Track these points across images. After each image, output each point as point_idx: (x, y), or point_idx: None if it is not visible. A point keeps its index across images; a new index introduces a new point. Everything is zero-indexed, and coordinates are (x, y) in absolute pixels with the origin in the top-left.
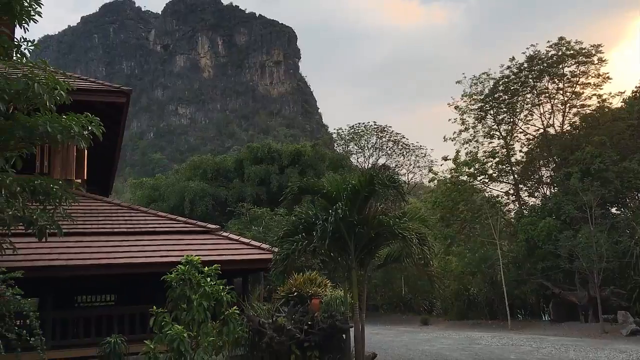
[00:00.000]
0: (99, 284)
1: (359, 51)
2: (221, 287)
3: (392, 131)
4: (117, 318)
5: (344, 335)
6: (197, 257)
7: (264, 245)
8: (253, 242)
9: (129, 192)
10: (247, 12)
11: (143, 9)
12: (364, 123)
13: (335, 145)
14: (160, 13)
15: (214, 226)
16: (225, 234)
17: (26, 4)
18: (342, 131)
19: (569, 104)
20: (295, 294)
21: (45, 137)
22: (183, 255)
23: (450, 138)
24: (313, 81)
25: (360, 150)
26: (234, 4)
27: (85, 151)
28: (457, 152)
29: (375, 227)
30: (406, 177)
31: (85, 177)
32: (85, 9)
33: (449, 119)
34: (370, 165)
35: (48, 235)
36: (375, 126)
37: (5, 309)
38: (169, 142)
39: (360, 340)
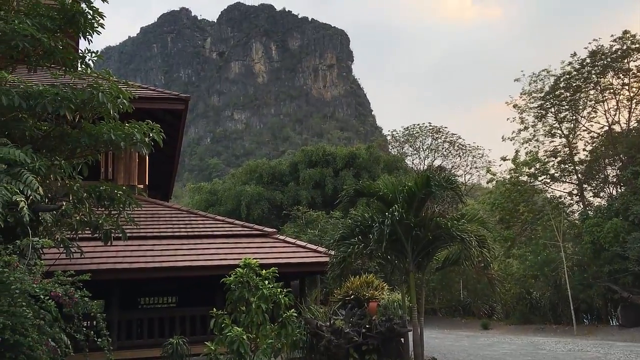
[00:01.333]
0: (160, 286)
1: (412, 51)
2: (279, 289)
3: (448, 132)
4: (178, 319)
5: (402, 339)
6: (254, 260)
7: (320, 248)
8: (309, 245)
9: (187, 196)
10: (299, 16)
11: (199, 18)
12: (418, 124)
13: (390, 147)
14: (215, 21)
15: (270, 229)
16: (281, 237)
17: (90, 17)
18: (397, 133)
19: (635, 100)
20: (352, 297)
21: (110, 145)
22: (241, 258)
23: (508, 138)
24: (366, 83)
25: (415, 152)
26: (286, 9)
27: (147, 157)
28: (517, 151)
29: (432, 230)
30: (463, 178)
31: (147, 183)
32: (145, 19)
33: (507, 118)
34: (425, 167)
35: (113, 239)
36: (431, 127)
37: (74, 311)
38: (225, 147)
39: (419, 344)
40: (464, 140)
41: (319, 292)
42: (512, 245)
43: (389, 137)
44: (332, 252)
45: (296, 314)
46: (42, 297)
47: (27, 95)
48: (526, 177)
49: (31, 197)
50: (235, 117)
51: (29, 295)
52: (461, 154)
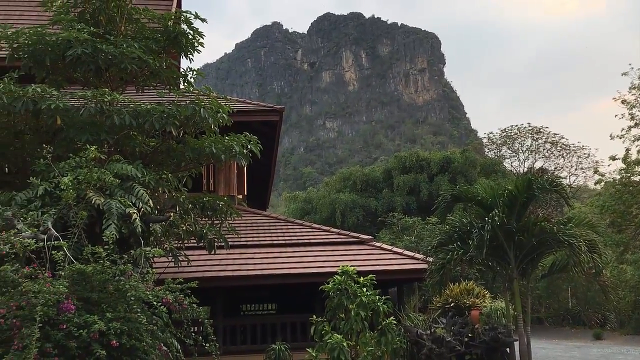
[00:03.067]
0: (260, 293)
1: (507, 50)
2: (377, 297)
3: (549, 132)
4: (279, 326)
5: (507, 349)
6: (352, 268)
7: (417, 255)
8: (406, 252)
9: (283, 205)
10: (389, 22)
11: (290, 31)
12: (516, 125)
13: (487, 150)
14: (305, 33)
15: (366, 236)
16: (377, 244)
17: (190, 37)
18: (493, 135)
19: None
20: (452, 304)
21: (211, 157)
22: (338, 266)
23: (617, 135)
24: (459, 85)
25: (513, 154)
26: (375, 16)
27: (245, 168)
28: (627, 150)
29: (536, 235)
30: (568, 180)
31: (245, 193)
32: (239, 36)
33: (615, 115)
34: (525, 170)
35: (216, 247)
36: (530, 127)
37: (183, 316)
38: (318, 155)
39: (527, 355)
40: (567, 140)
41: (417, 300)
42: (625, 250)
43: (484, 140)
44: (430, 259)
45: (395, 322)
46: (154, 303)
47: (137, 114)
48: (639, 177)
49: (142, 209)
50: (328, 125)
51: (142, 302)
52: (565, 154)
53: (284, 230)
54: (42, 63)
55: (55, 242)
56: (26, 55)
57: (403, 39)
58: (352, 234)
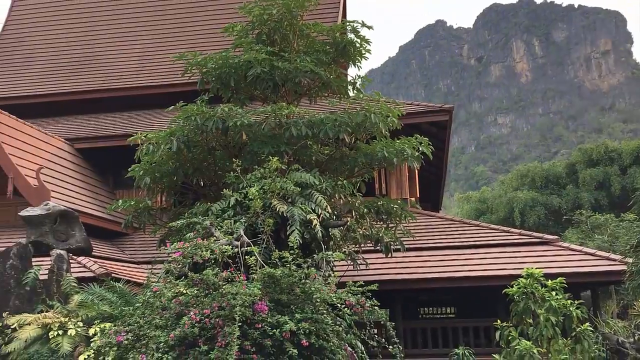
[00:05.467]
0: (437, 296)
1: None
2: (569, 301)
3: None
4: (461, 330)
5: None
6: (537, 270)
7: (613, 256)
8: (599, 253)
9: (456, 206)
10: (564, 5)
11: (455, 27)
12: None
13: None
14: (471, 27)
15: (551, 236)
16: (564, 244)
17: (358, 46)
18: None
19: None
20: None
21: (383, 162)
22: (521, 268)
23: None
24: None
25: None
26: (548, 1)
27: (416, 170)
28: None
29: None
30: None
31: (418, 195)
32: (402, 38)
33: None
34: None
35: (392, 251)
36: None
37: (366, 319)
38: (490, 153)
39: None
40: None
41: (614, 305)
42: None
43: None
44: (630, 260)
45: (592, 329)
46: (338, 305)
47: (311, 124)
48: None
49: (322, 215)
50: (499, 121)
51: (326, 304)
52: None
53: (459, 232)
54: (228, 84)
55: (247, 247)
56: (213, 79)
57: (581, 21)
58: (535, 234)
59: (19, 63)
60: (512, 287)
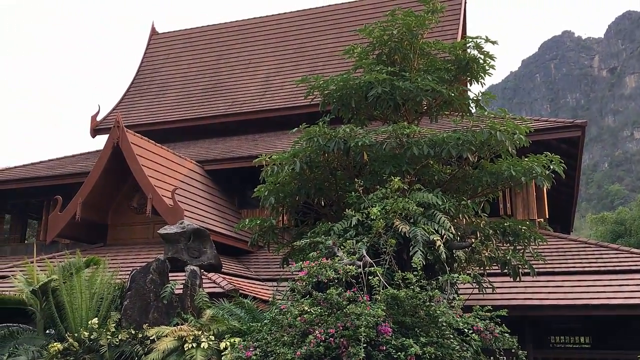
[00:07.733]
0: (571, 324)
1: None
2: None
3: None
4: None
5: None
6: None
7: None
8: None
9: (587, 228)
10: None
11: (583, 38)
12: None
13: None
14: (602, 37)
15: None
16: None
17: (481, 62)
18: None
19: None
20: None
21: (510, 181)
22: None
23: None
24: None
25: None
26: None
27: (544, 190)
28: None
29: None
30: None
31: (547, 216)
32: (524, 51)
33: None
34: None
35: (521, 274)
36: None
37: (495, 346)
38: (626, 170)
39: None
40: None
41: None
42: None
43: None
44: None
45: None
46: (465, 330)
47: (433, 144)
48: None
49: (445, 236)
50: (637, 136)
51: (452, 328)
52: None
53: (596, 256)
54: (348, 105)
55: (370, 267)
56: (334, 100)
57: None
58: None
59: (155, 92)
60: None
